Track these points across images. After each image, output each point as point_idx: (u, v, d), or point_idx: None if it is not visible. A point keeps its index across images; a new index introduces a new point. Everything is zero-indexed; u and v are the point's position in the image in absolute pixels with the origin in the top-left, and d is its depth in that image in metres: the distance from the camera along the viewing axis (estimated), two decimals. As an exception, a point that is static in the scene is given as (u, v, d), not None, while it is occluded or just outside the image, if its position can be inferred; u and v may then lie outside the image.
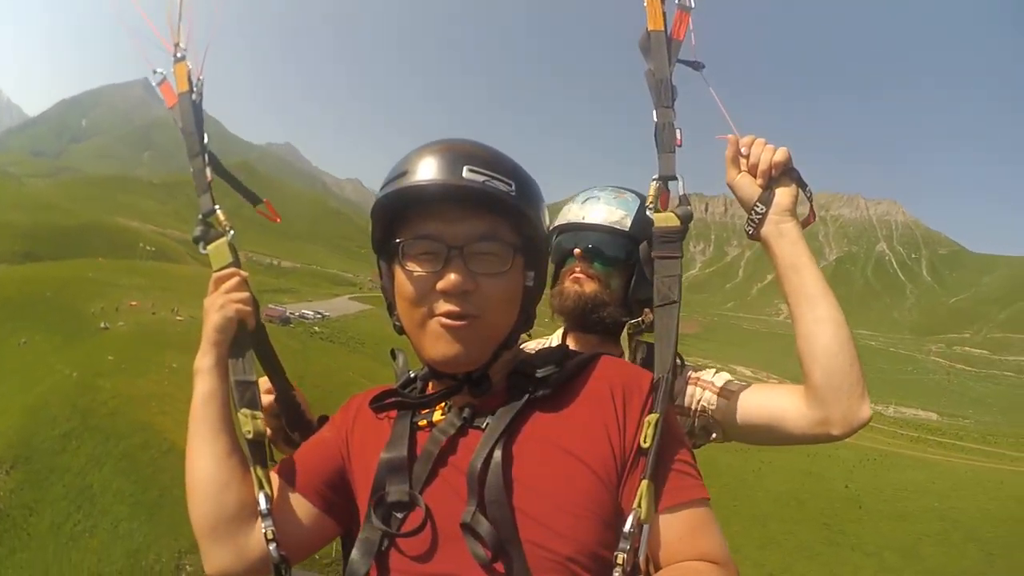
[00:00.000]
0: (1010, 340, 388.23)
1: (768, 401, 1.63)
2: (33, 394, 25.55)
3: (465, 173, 1.09)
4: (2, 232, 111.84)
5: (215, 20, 1.67)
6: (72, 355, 28.90)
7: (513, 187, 1.12)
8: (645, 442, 1.08)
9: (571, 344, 1.95)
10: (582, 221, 1.91)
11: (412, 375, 1.31)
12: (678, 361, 1.64)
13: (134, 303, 45.48)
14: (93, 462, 18.93)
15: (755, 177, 1.58)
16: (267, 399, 1.47)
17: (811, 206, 1.64)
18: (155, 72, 1.60)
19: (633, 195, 1.89)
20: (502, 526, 1.03)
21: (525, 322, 1.22)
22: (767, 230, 1.55)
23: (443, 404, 1.20)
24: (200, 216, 1.50)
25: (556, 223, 1.98)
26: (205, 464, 1.24)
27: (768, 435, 1.64)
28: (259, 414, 1.32)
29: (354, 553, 1.13)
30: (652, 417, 1.10)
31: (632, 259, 1.85)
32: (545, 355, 1.25)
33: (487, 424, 1.13)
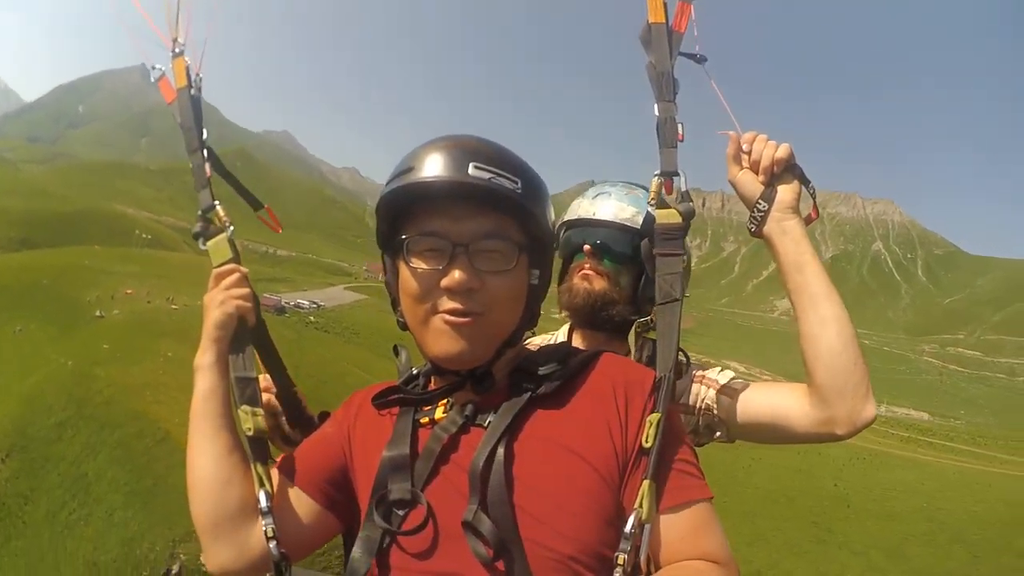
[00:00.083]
0: (1003, 342, 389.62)
1: (772, 400, 1.63)
2: (29, 383, 25.59)
3: (471, 170, 1.09)
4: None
5: (213, 15, 1.69)
6: (68, 343, 28.92)
7: (519, 185, 1.13)
8: (647, 442, 1.09)
9: (577, 341, 1.98)
10: (592, 217, 1.91)
11: (415, 372, 1.32)
12: (683, 359, 1.70)
13: (129, 291, 45.36)
14: (88, 451, 19.00)
15: (757, 174, 1.58)
16: (265, 396, 1.46)
17: (814, 203, 1.63)
18: (153, 68, 1.60)
19: (645, 192, 1.78)
20: (504, 525, 1.02)
21: (529, 320, 1.23)
22: (770, 228, 1.54)
23: (445, 401, 1.21)
24: (200, 212, 1.51)
25: (565, 217, 1.99)
26: (206, 462, 1.24)
27: (772, 434, 1.64)
28: (259, 411, 1.33)
29: (355, 551, 1.14)
30: (654, 417, 1.11)
31: (642, 257, 1.79)
32: (548, 352, 1.26)
33: (489, 422, 1.13)
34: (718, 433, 1.76)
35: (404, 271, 1.15)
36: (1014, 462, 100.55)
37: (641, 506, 1.04)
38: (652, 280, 1.69)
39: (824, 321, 1.46)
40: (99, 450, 18.91)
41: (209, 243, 1.47)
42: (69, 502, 17.22)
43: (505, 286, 1.14)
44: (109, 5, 1.73)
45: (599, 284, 1.84)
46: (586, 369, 1.20)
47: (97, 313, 35.64)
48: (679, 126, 1.49)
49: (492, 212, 1.12)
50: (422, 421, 1.20)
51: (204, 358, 1.31)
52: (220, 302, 1.35)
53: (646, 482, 1.05)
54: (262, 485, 1.21)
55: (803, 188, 1.56)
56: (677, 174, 1.47)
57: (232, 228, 1.49)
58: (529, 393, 1.14)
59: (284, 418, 1.53)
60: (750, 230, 1.59)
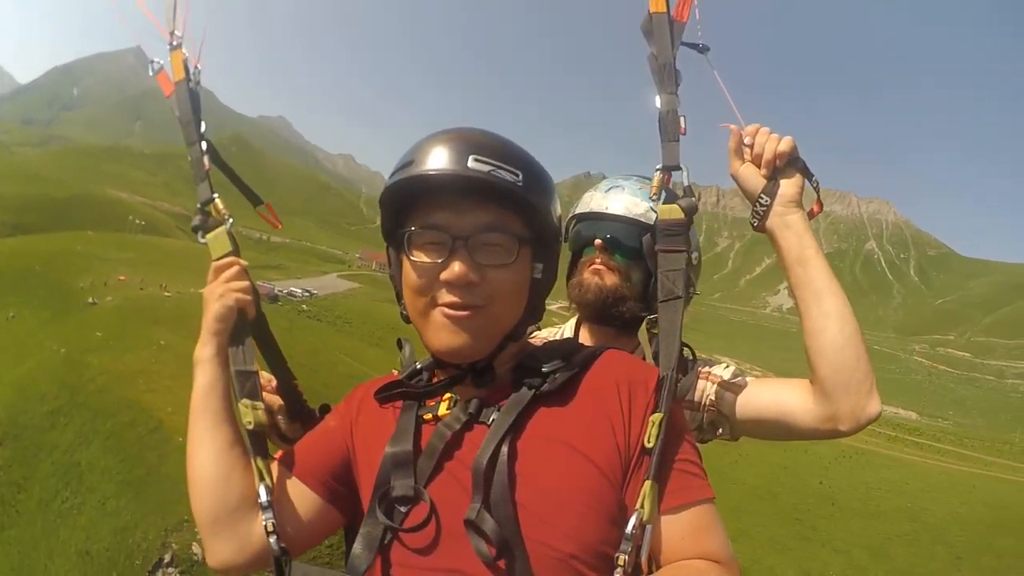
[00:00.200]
0: (993, 344, 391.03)
1: (777, 396, 1.61)
2: (21, 370, 25.53)
3: (470, 163, 1.09)
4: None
5: (211, 8, 1.69)
6: (60, 330, 28.86)
7: (520, 177, 1.12)
8: (649, 442, 1.08)
9: (585, 336, 1.97)
10: (604, 211, 1.88)
11: (418, 366, 1.31)
12: (689, 356, 1.76)
13: (122, 278, 45.22)
14: (81, 440, 19.00)
15: (759, 168, 1.55)
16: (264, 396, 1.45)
17: (818, 196, 1.62)
18: (152, 62, 1.59)
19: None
20: (506, 523, 1.02)
21: (532, 314, 1.22)
22: (772, 222, 1.53)
23: (449, 397, 1.21)
24: (198, 205, 1.50)
25: (577, 210, 1.97)
26: (206, 456, 1.24)
27: (776, 431, 1.63)
28: (260, 404, 1.32)
29: (356, 546, 1.13)
30: (656, 416, 1.10)
31: (644, 253, 1.82)
32: (552, 349, 1.25)
33: (493, 419, 1.13)
34: (721, 430, 1.76)
35: (406, 264, 1.17)
36: (999, 464, 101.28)
37: (642, 507, 1.04)
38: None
39: (827, 316, 1.45)
40: (92, 439, 18.93)
41: (208, 236, 1.47)
42: (62, 491, 17.25)
43: (506, 280, 1.14)
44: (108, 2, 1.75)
45: (610, 279, 1.83)
46: (590, 366, 1.20)
47: (90, 300, 35.44)
48: (681, 119, 1.48)
49: (493, 205, 1.13)
50: (425, 417, 1.20)
51: (204, 351, 1.31)
52: (220, 295, 1.35)
53: (647, 483, 1.05)
54: (262, 479, 1.21)
55: (806, 182, 1.55)
56: (679, 168, 1.47)
57: (231, 220, 1.49)
58: (533, 390, 1.14)
59: (281, 416, 1.52)
60: (752, 224, 1.59)
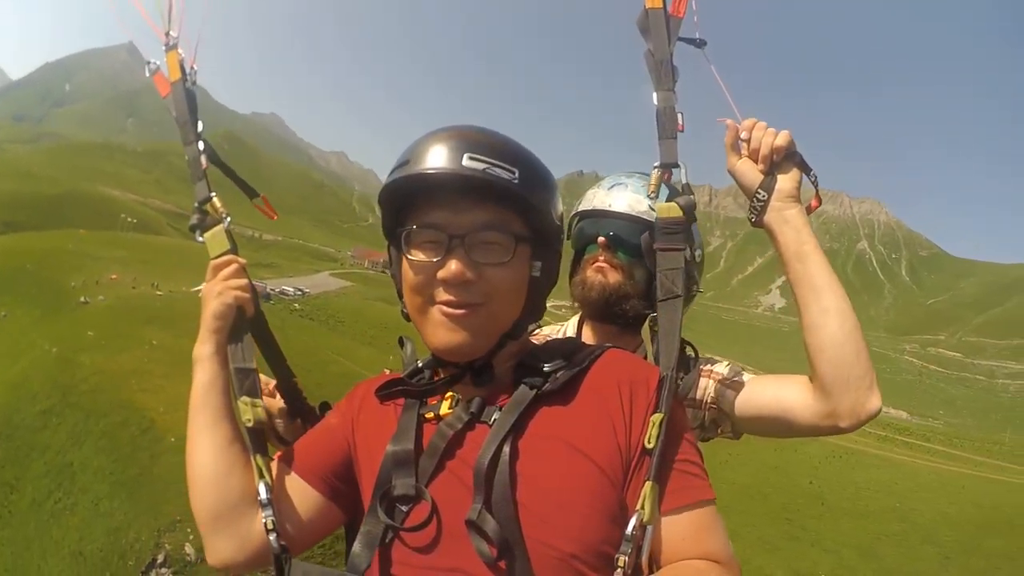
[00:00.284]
0: (984, 344, 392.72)
1: (778, 393, 1.60)
2: (14, 370, 25.45)
3: (465, 161, 1.08)
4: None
5: (207, 8, 1.65)
6: (52, 330, 28.70)
7: (516, 175, 1.11)
8: (649, 443, 1.08)
9: (588, 333, 1.96)
10: (607, 209, 1.86)
11: (419, 364, 1.30)
12: (691, 354, 1.76)
13: (114, 276, 45.03)
14: (73, 440, 18.94)
15: (756, 162, 1.54)
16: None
17: (816, 191, 1.60)
18: (148, 63, 1.59)
19: (662, 185, 1.69)
20: (507, 524, 1.02)
21: (532, 312, 1.22)
22: (770, 217, 1.52)
23: (450, 397, 1.21)
24: (196, 204, 1.50)
25: (580, 207, 1.95)
26: (206, 453, 1.23)
27: (777, 428, 1.62)
28: (259, 402, 1.32)
29: (356, 545, 1.13)
30: (656, 417, 1.10)
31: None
32: (553, 348, 1.25)
33: (494, 419, 1.12)
34: (723, 428, 1.77)
35: (404, 262, 1.17)
36: (988, 464, 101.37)
37: (643, 508, 1.04)
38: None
39: (826, 312, 1.44)
40: (84, 439, 18.89)
41: (206, 235, 1.47)
42: (55, 491, 17.22)
43: (504, 278, 1.14)
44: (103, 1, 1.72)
45: (613, 277, 1.82)
46: (591, 365, 1.19)
47: (82, 299, 35.34)
48: (679, 116, 1.47)
49: (490, 203, 1.13)
50: (427, 416, 1.20)
51: (203, 349, 1.31)
52: (218, 293, 1.35)
53: (648, 483, 1.05)
54: (262, 477, 1.20)
55: (804, 177, 1.54)
56: (677, 165, 1.46)
57: (229, 219, 1.49)
58: (535, 390, 1.14)
59: (279, 419, 1.53)
60: (750, 220, 1.57)
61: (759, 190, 1.52)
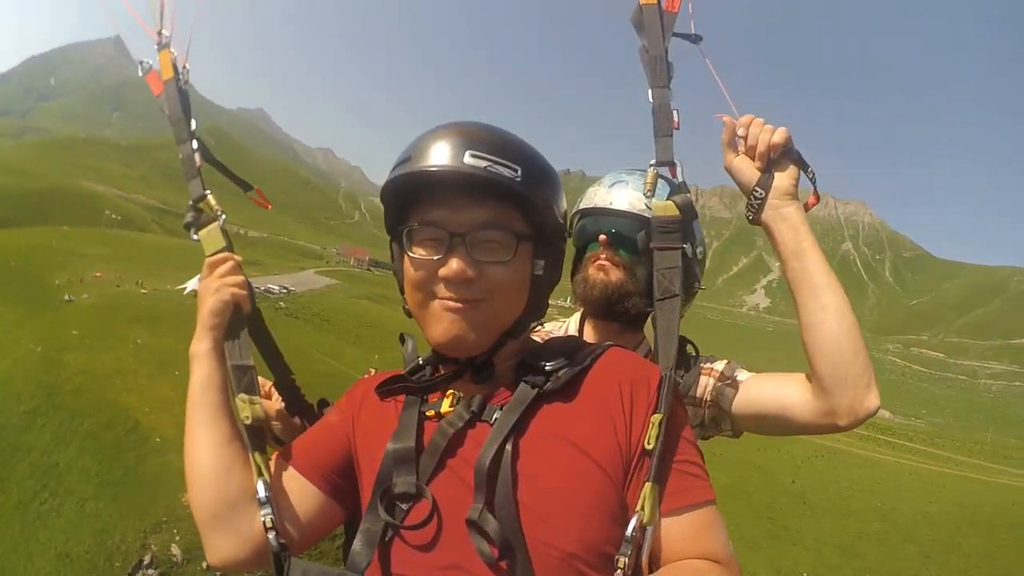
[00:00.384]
0: (966, 345, 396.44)
1: (777, 391, 1.59)
2: (-2, 369, 25.40)
3: (467, 158, 1.08)
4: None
5: (199, 7, 1.66)
6: (36, 328, 28.31)
7: (519, 173, 1.10)
8: (649, 443, 1.08)
9: (590, 331, 1.95)
10: (609, 206, 1.83)
11: (420, 361, 1.30)
12: (692, 352, 1.78)
13: (99, 274, 44.45)
14: (58, 440, 18.71)
15: (753, 160, 1.53)
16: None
17: (815, 188, 1.59)
18: (141, 63, 1.59)
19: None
20: (508, 523, 1.01)
21: (534, 311, 1.22)
22: (767, 215, 1.50)
23: (452, 395, 1.20)
24: (190, 202, 1.50)
25: (581, 205, 1.93)
26: (205, 451, 1.22)
27: (775, 426, 1.61)
28: (257, 399, 1.31)
29: (356, 543, 1.12)
30: (656, 417, 1.09)
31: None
32: (554, 346, 1.24)
33: (495, 418, 1.12)
34: (723, 426, 1.76)
35: (406, 259, 1.17)
36: (970, 464, 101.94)
37: (643, 509, 1.04)
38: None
39: (824, 310, 1.43)
40: (69, 440, 18.68)
41: (201, 232, 1.47)
42: (40, 492, 16.99)
43: (505, 276, 1.13)
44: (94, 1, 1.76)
45: (615, 275, 1.80)
46: (593, 364, 1.19)
47: (66, 297, 34.87)
48: (674, 113, 1.46)
49: (491, 201, 1.12)
50: (428, 414, 1.20)
51: (200, 346, 1.31)
52: (215, 290, 1.35)
53: (648, 484, 1.05)
54: (260, 474, 1.20)
55: (802, 173, 1.52)
56: (673, 163, 1.46)
57: (224, 217, 1.49)
58: (536, 389, 1.14)
59: (276, 421, 1.53)
60: (748, 218, 1.56)
61: (756, 188, 1.51)
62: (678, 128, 1.46)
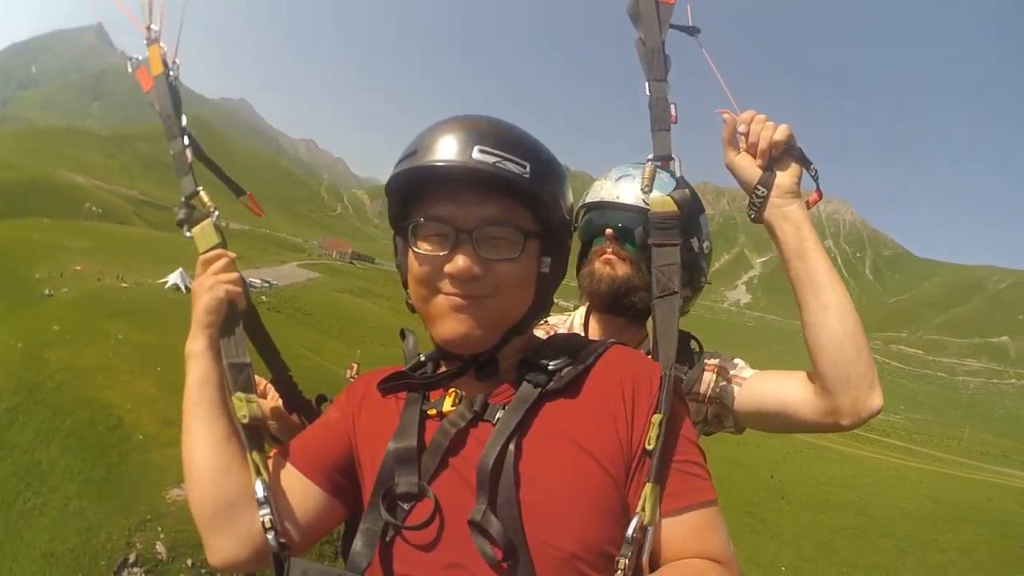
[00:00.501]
0: (944, 342, 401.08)
1: (780, 389, 1.58)
2: (-21, 366, 25.08)
3: (475, 154, 1.06)
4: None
5: (188, 1, 1.63)
6: (16, 324, 28.04)
7: (527, 169, 1.09)
8: (649, 444, 1.06)
9: (595, 325, 1.92)
10: (615, 200, 1.80)
11: (422, 358, 1.29)
12: (696, 348, 1.78)
13: (79, 268, 44.19)
14: (40, 438, 18.58)
15: (754, 157, 1.50)
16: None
17: (817, 185, 1.55)
18: (130, 59, 1.57)
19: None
20: (511, 524, 1.00)
21: (540, 308, 1.20)
22: (769, 213, 1.48)
23: (454, 394, 1.18)
24: (182, 199, 1.47)
25: (587, 199, 1.90)
26: (203, 450, 1.20)
27: (777, 423, 1.61)
28: (254, 398, 1.28)
29: (356, 543, 1.11)
30: (657, 417, 1.08)
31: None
32: (557, 344, 1.22)
33: (498, 417, 1.11)
34: (726, 423, 1.76)
35: (411, 254, 1.16)
36: (947, 460, 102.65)
37: (643, 510, 1.02)
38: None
39: (826, 309, 1.42)
40: (52, 437, 18.60)
41: (194, 229, 1.44)
42: (23, 491, 16.88)
43: (511, 274, 1.12)
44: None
45: (622, 269, 1.78)
46: (595, 362, 1.18)
47: (46, 291, 34.55)
48: (672, 106, 1.44)
49: (499, 197, 1.10)
50: (430, 413, 1.18)
51: (196, 344, 1.29)
52: (209, 287, 1.32)
53: (648, 485, 1.04)
54: (259, 474, 1.18)
55: (804, 170, 1.50)
56: (671, 158, 1.45)
57: (217, 213, 1.46)
58: (539, 388, 1.12)
59: (272, 421, 1.51)
60: (750, 216, 1.53)
61: (758, 186, 1.49)
62: (676, 122, 1.44)
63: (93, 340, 25.19)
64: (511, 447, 1.05)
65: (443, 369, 1.24)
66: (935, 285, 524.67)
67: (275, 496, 1.17)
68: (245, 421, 1.24)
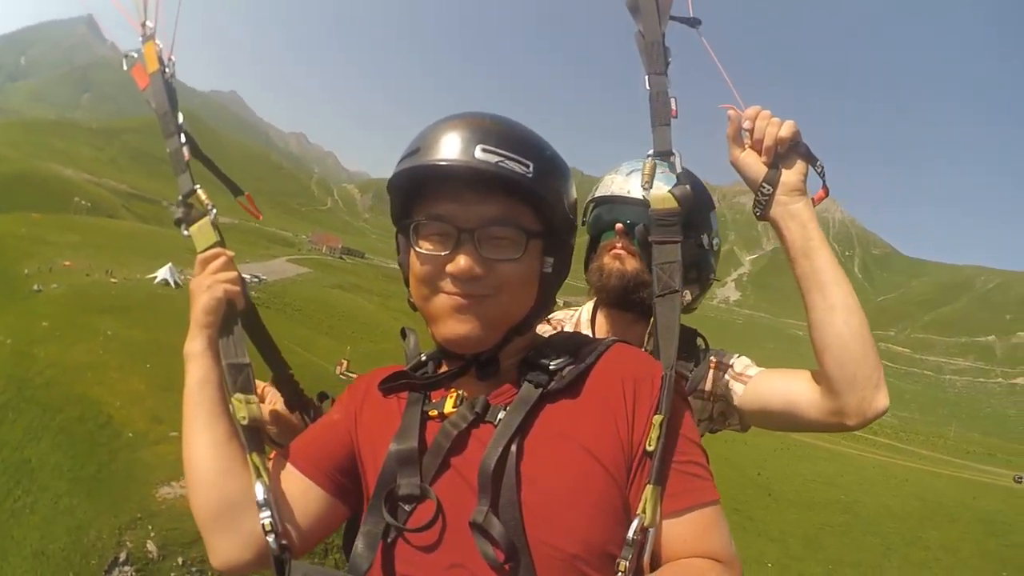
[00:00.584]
0: (932, 341, 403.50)
1: (786, 388, 1.57)
2: (-33, 363, 24.76)
3: (477, 153, 1.05)
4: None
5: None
6: (6, 320, 27.76)
7: (531, 168, 1.08)
8: (650, 445, 1.05)
9: (602, 320, 1.91)
10: (626, 195, 1.79)
11: (423, 358, 1.28)
12: (701, 345, 1.77)
13: (68, 263, 43.75)
14: (30, 436, 18.47)
15: (759, 154, 1.47)
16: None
17: (823, 181, 1.50)
18: (126, 56, 1.54)
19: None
20: (512, 526, 1.00)
21: (542, 308, 1.19)
22: (775, 211, 1.45)
23: (455, 395, 1.17)
24: (180, 198, 1.45)
25: (596, 193, 1.89)
26: (204, 451, 1.19)
27: (782, 422, 1.60)
28: (253, 398, 1.26)
29: (357, 545, 1.10)
30: (657, 418, 1.07)
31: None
32: (558, 343, 1.21)
33: (500, 419, 1.10)
34: (730, 420, 1.75)
35: (413, 253, 1.15)
36: (933, 458, 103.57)
37: (644, 511, 1.02)
38: (688, 262, 1.67)
39: (832, 309, 1.39)
40: (41, 435, 18.48)
41: (192, 228, 1.42)
42: (14, 489, 16.80)
43: (514, 274, 1.11)
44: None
45: (631, 264, 1.77)
46: (597, 362, 1.17)
47: (35, 287, 34.31)
48: (672, 101, 1.40)
49: (501, 197, 1.10)
50: (431, 414, 1.17)
51: (194, 345, 1.27)
52: (207, 287, 1.30)
53: (649, 487, 1.03)
54: (259, 476, 1.16)
55: (810, 167, 1.47)
56: (672, 154, 1.40)
57: (215, 211, 1.43)
58: (540, 389, 1.11)
59: (270, 424, 1.49)
60: (755, 214, 1.51)
61: (764, 184, 1.46)
62: (676, 116, 1.40)
63: (82, 336, 24.99)
64: (512, 448, 1.05)
65: (444, 369, 1.24)
66: (923, 284, 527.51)
67: (276, 497, 1.16)
68: (245, 422, 1.22)
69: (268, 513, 1.11)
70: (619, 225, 1.77)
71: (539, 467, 1.05)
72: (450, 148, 1.06)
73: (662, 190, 1.45)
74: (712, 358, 1.76)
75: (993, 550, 41.08)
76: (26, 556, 15.08)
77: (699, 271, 1.86)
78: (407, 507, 1.08)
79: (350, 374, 41.01)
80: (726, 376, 1.72)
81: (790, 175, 1.45)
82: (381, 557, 1.08)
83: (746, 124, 1.47)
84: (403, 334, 1.38)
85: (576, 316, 2.00)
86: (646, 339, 1.84)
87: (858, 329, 1.38)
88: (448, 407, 1.15)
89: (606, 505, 1.03)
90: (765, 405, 1.61)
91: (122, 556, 13.79)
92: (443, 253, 1.09)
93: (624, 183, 1.81)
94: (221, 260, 1.35)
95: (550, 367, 1.13)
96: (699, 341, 1.80)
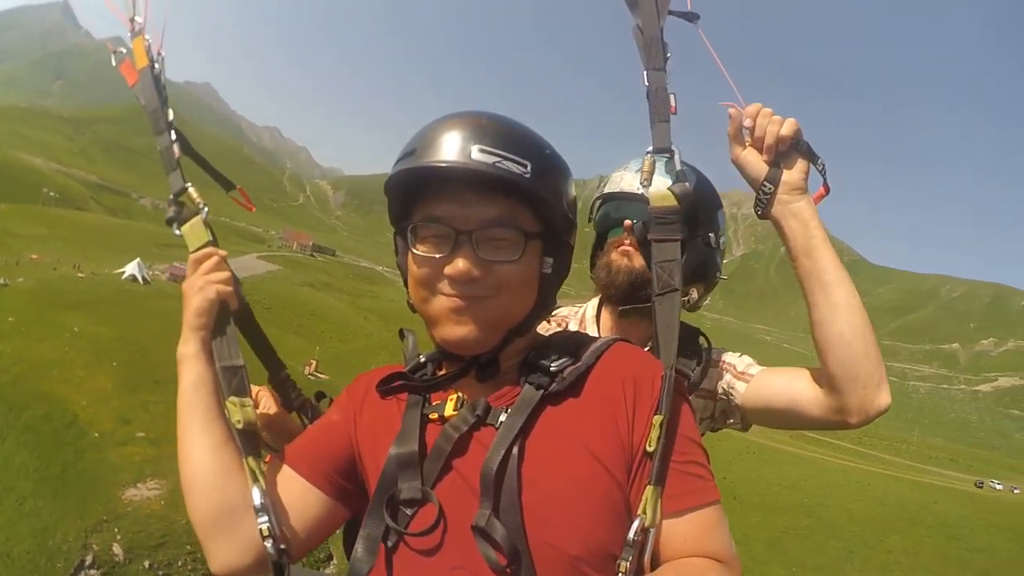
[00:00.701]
0: (897, 348, 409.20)
1: (788, 386, 1.56)
2: (-67, 359, 24.39)
3: (475, 154, 1.04)
4: None
5: None
6: None
7: (528, 168, 1.06)
8: (650, 446, 1.04)
9: (607, 316, 1.89)
10: (635, 192, 1.75)
11: (422, 359, 1.27)
12: (704, 344, 1.76)
13: (35, 256, 43.34)
14: None
15: (760, 152, 1.46)
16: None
17: (824, 179, 1.49)
18: (115, 52, 1.52)
19: (690, 168, 1.65)
20: (514, 529, 0.99)
21: (542, 309, 1.18)
22: (777, 210, 1.44)
23: (455, 397, 1.15)
24: (171, 196, 1.41)
25: (605, 190, 1.87)
26: (201, 455, 1.17)
27: (785, 420, 1.60)
28: (248, 401, 1.23)
29: (357, 549, 1.10)
30: (657, 419, 1.06)
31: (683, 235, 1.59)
32: (559, 344, 1.20)
33: (501, 421, 1.08)
34: (731, 419, 1.74)
35: (411, 255, 1.13)
36: (895, 463, 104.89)
37: (645, 512, 1.01)
38: (694, 259, 1.71)
39: (835, 308, 1.39)
40: (7, 434, 18.11)
41: (183, 227, 1.39)
42: None
43: (512, 275, 1.10)
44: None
45: (639, 261, 1.75)
46: (597, 362, 1.15)
47: (1, 281, 33.68)
48: (671, 97, 1.39)
49: (500, 198, 1.08)
50: (431, 417, 1.15)
51: (187, 348, 1.24)
52: (200, 288, 1.27)
53: (649, 488, 1.02)
54: (255, 480, 1.14)
55: (812, 165, 1.46)
56: (671, 151, 1.39)
57: (207, 209, 1.40)
58: (541, 390, 1.10)
59: (266, 432, 1.44)
60: (757, 213, 1.50)
61: (765, 182, 1.45)
62: (675, 113, 1.39)
63: (49, 332, 24.74)
64: (514, 451, 1.04)
65: (444, 370, 1.23)
66: (889, 292, 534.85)
67: (274, 501, 1.15)
68: (240, 426, 1.20)
69: (265, 518, 1.10)
70: (627, 222, 1.77)
71: (540, 469, 1.04)
72: (447, 149, 1.05)
73: (662, 187, 1.44)
74: (714, 357, 1.76)
75: (954, 554, 41.85)
76: (-10, 559, 15.21)
77: (706, 270, 1.86)
78: (408, 511, 1.07)
79: (319, 375, 40.77)
80: (728, 375, 1.72)
81: (791, 173, 1.44)
82: (382, 561, 1.08)
83: (747, 122, 1.46)
84: (401, 335, 1.38)
85: (580, 312, 1.98)
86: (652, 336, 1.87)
87: (860, 328, 1.38)
88: (449, 410, 1.14)
89: (608, 506, 1.02)
90: (767, 404, 1.62)
91: (88, 559, 13.72)
92: (441, 255, 1.08)
93: (633, 180, 1.79)
94: (213, 260, 1.32)
95: (551, 368, 1.11)
96: (701, 340, 1.79)
